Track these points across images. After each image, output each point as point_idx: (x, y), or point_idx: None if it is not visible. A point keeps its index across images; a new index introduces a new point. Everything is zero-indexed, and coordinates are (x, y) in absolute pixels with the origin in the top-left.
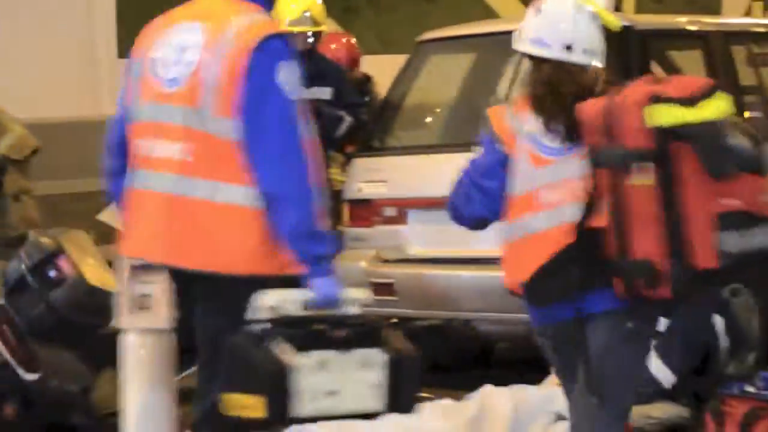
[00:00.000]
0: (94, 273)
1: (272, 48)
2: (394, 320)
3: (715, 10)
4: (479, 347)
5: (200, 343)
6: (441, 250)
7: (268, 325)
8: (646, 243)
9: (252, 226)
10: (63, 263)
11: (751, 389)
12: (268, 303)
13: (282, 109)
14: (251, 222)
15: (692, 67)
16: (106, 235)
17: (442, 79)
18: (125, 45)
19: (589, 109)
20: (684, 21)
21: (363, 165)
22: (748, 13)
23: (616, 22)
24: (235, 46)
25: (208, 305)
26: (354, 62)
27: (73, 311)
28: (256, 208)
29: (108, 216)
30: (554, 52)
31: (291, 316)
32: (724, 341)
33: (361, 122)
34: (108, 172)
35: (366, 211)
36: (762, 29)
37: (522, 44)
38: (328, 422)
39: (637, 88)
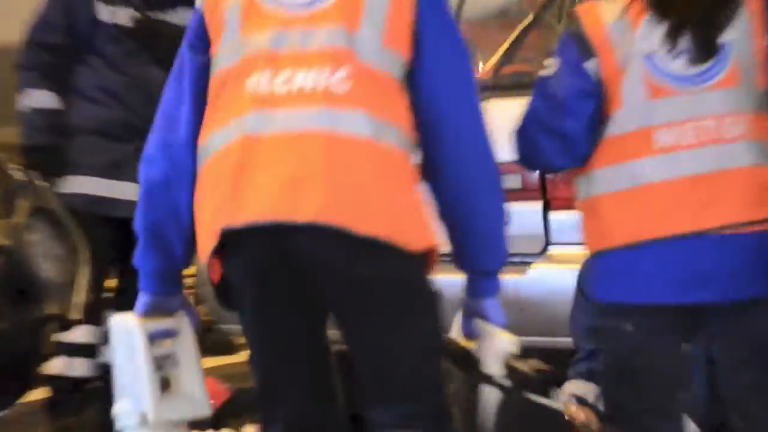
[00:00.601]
0: None
1: None
2: None
3: None
4: None
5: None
6: None
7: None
8: None
9: (418, 192)
10: None
11: None
12: (505, 349)
13: (468, 63)
14: (417, 186)
15: None
16: None
17: None
18: None
19: None
20: None
21: None
22: None
23: None
24: None
25: (368, 301)
26: None
27: None
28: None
29: None
30: None
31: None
32: None
33: None
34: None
35: None
36: None
37: None
38: None
39: None
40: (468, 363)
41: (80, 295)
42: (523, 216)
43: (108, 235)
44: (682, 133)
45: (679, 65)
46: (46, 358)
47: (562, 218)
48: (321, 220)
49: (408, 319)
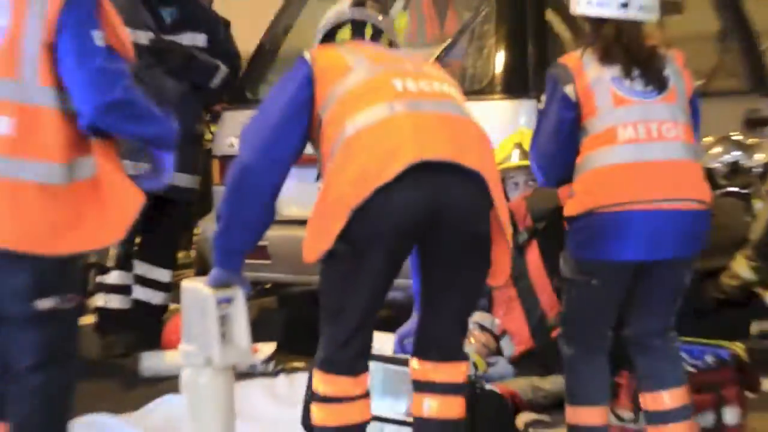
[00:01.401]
0: None
1: None
2: (268, 285)
3: None
4: None
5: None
6: None
7: None
8: None
9: None
10: None
11: None
12: None
13: None
14: None
15: None
16: None
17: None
18: None
19: None
20: None
21: (234, 118)
22: None
23: None
24: None
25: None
26: None
27: None
28: None
29: None
30: (612, 11)
31: None
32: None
33: (237, 73)
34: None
35: None
36: None
37: (581, 7)
38: None
39: None
40: None
41: (115, 248)
42: None
43: None
44: (636, 130)
45: (634, 84)
46: (91, 294)
47: None
48: (481, 171)
49: (487, 269)
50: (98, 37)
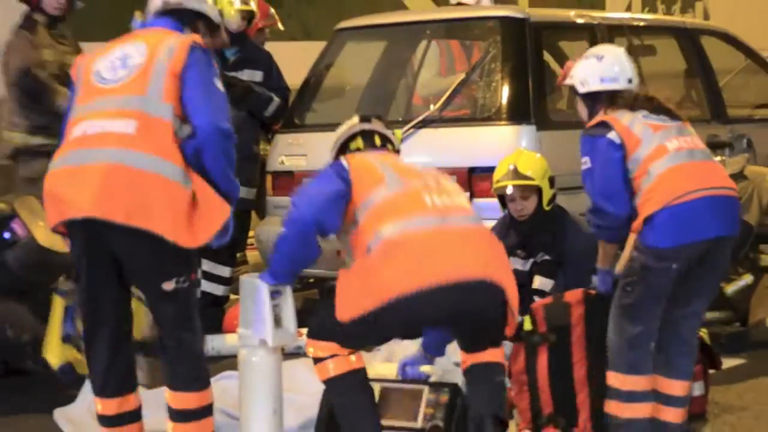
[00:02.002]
0: (45, 235)
1: None
2: (311, 280)
3: (600, 5)
4: None
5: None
6: None
7: None
8: None
9: None
10: (16, 226)
11: None
12: None
13: None
14: None
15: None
16: None
17: (357, 63)
18: None
19: None
20: (573, 15)
21: (285, 140)
22: (628, 8)
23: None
24: None
25: None
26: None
27: (25, 269)
28: None
29: None
30: (623, 85)
31: None
32: None
33: (287, 103)
34: None
35: (287, 181)
36: (641, 23)
37: (592, 86)
38: None
39: None
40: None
41: None
42: None
43: None
44: (679, 141)
45: (661, 117)
46: None
47: (482, 203)
48: (499, 281)
49: (505, 322)
50: (218, 83)
